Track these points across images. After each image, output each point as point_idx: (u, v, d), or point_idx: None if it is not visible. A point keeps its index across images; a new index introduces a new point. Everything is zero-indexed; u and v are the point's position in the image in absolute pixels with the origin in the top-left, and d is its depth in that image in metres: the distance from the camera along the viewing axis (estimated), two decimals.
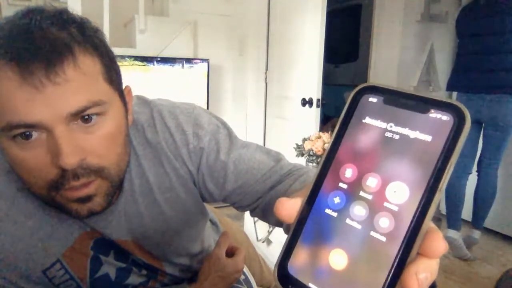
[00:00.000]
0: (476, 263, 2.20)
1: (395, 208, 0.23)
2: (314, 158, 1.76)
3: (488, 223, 2.39)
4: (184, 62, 2.52)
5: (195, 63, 2.55)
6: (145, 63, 2.40)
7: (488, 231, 2.52)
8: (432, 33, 2.68)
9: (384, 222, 0.23)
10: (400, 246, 0.22)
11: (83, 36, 0.47)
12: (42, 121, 0.44)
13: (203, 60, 2.57)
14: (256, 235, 2.15)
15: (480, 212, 2.26)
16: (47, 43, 0.43)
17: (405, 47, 2.65)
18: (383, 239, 0.23)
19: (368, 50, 2.85)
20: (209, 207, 0.80)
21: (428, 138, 0.23)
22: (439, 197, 0.22)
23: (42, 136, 0.45)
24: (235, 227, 1.06)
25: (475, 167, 2.29)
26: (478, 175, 2.26)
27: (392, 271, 0.22)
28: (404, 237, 0.22)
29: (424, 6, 2.65)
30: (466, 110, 0.23)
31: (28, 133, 0.45)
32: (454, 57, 2.44)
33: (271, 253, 1.99)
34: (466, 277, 2.06)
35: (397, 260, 0.22)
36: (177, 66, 2.50)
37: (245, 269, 0.85)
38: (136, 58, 2.38)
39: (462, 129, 0.23)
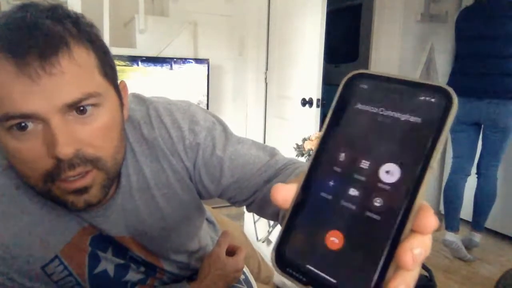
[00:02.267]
0: (476, 263, 2.20)
1: (388, 188, 0.24)
2: None
3: (488, 223, 2.39)
4: (177, 62, 2.49)
5: (195, 63, 2.55)
6: (144, 64, 2.40)
7: (488, 231, 2.52)
8: (432, 33, 2.68)
9: (378, 201, 0.24)
10: (394, 224, 0.23)
11: (78, 30, 0.48)
12: (38, 112, 0.44)
13: (203, 60, 2.57)
14: (256, 235, 2.15)
15: (480, 215, 2.25)
16: (42, 35, 0.44)
17: (405, 47, 2.66)
18: (378, 218, 0.24)
19: (368, 50, 2.85)
20: (205, 207, 0.80)
21: (418, 120, 0.24)
22: (430, 176, 0.23)
23: (38, 127, 0.46)
24: (232, 226, 1.06)
25: (473, 170, 2.28)
26: (478, 178, 2.25)
27: (388, 248, 0.23)
28: (398, 215, 0.23)
29: (424, 6, 2.65)
30: (453, 92, 0.24)
31: (24, 124, 0.45)
32: (454, 57, 2.43)
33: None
34: (466, 277, 2.06)
35: (391, 237, 0.23)
36: (177, 66, 2.50)
37: (245, 269, 0.85)
38: (136, 59, 2.38)
39: (450, 110, 0.24)
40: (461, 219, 2.30)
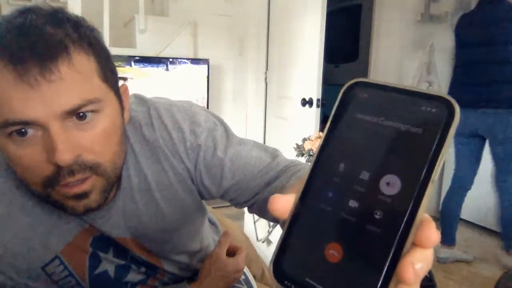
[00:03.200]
0: (476, 263, 2.20)
1: (389, 200, 0.23)
2: None
3: (488, 223, 2.39)
4: (173, 62, 2.46)
5: (190, 63, 2.55)
6: (139, 64, 2.38)
7: (489, 231, 2.52)
8: (432, 33, 2.68)
9: (379, 214, 0.23)
10: (395, 237, 0.22)
11: (79, 35, 0.48)
12: (37, 119, 0.44)
13: (203, 60, 2.57)
14: (256, 235, 2.15)
15: (508, 232, 2.10)
16: (42, 41, 0.44)
17: (405, 47, 2.66)
18: (378, 231, 0.23)
19: (368, 50, 2.85)
20: (207, 208, 0.79)
21: (419, 130, 0.24)
22: (432, 188, 0.23)
23: (37, 133, 0.46)
24: (235, 228, 1.06)
25: (479, 183, 2.19)
26: (498, 194, 2.13)
27: (388, 261, 0.22)
28: (399, 228, 0.22)
29: (424, 6, 2.65)
30: (455, 102, 0.23)
31: (23, 130, 0.45)
32: (454, 57, 2.41)
33: (271, 253, 1.99)
34: (466, 277, 2.06)
35: (392, 251, 0.22)
36: (172, 67, 2.50)
37: (245, 269, 0.85)
38: (136, 58, 2.38)
39: (452, 120, 0.23)
40: (462, 219, 2.29)
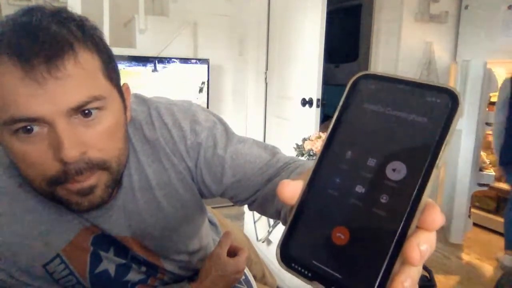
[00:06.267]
0: (476, 263, 2.20)
1: (395, 185, 0.24)
2: (314, 158, 1.76)
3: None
4: (161, 61, 2.45)
5: (195, 63, 2.55)
6: (144, 63, 2.38)
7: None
8: (432, 33, 2.68)
9: (385, 198, 0.24)
10: (401, 221, 0.23)
11: (83, 33, 0.49)
12: (43, 116, 0.45)
13: (203, 60, 2.57)
14: (256, 235, 2.15)
15: None
16: (48, 39, 0.45)
17: (405, 47, 2.66)
18: (384, 214, 0.24)
19: (368, 50, 2.85)
20: (208, 209, 0.79)
21: (424, 119, 0.25)
22: (436, 174, 0.24)
23: (43, 130, 0.46)
24: (235, 229, 1.06)
25: None
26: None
27: (393, 243, 0.23)
28: (404, 212, 0.23)
29: (424, 6, 2.65)
30: (458, 93, 0.24)
31: (29, 127, 0.46)
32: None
33: (271, 253, 1.99)
34: (466, 277, 2.06)
35: (398, 234, 0.23)
36: (176, 65, 2.50)
37: (246, 270, 0.85)
38: (136, 58, 2.38)
39: (456, 110, 0.24)
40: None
